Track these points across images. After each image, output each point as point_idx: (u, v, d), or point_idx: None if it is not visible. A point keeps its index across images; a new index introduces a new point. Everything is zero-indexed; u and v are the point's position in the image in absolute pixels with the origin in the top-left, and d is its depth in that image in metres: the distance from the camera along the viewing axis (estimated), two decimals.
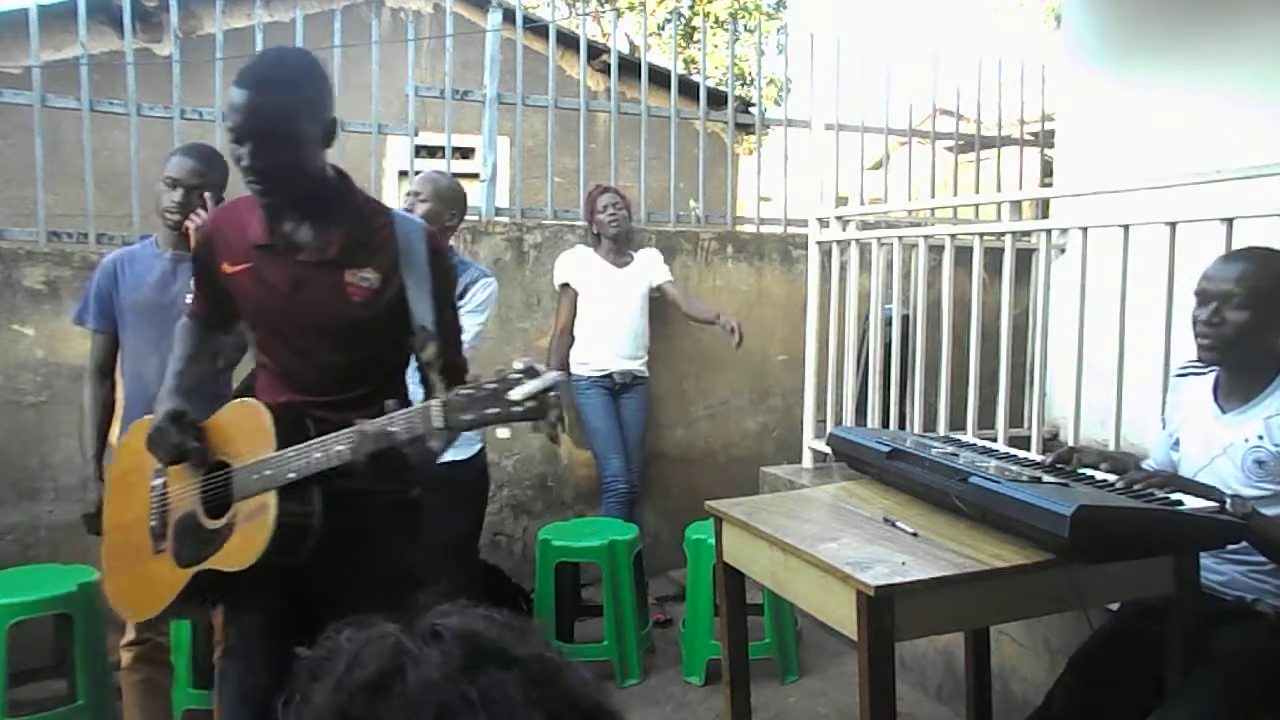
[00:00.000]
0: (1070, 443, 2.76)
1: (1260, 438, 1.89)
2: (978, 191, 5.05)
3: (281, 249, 1.73)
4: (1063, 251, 4.21)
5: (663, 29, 12.46)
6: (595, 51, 6.42)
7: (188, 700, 2.80)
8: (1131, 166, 3.77)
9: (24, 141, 3.82)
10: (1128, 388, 2.71)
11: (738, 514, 2.13)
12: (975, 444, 2.49)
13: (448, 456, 2.91)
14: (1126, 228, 2.68)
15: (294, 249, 1.73)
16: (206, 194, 2.39)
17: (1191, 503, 1.79)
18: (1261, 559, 1.86)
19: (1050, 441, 3.40)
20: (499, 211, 4.26)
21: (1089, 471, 2.03)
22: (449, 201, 3.02)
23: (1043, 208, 4.66)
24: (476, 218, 4.10)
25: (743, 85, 9.81)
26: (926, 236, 3.59)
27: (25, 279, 3.41)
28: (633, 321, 3.90)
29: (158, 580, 1.77)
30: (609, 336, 3.86)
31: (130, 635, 2.45)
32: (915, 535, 1.88)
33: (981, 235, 3.33)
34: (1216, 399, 2.03)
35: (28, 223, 3.61)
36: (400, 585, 1.78)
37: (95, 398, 2.52)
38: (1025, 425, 3.64)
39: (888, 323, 3.75)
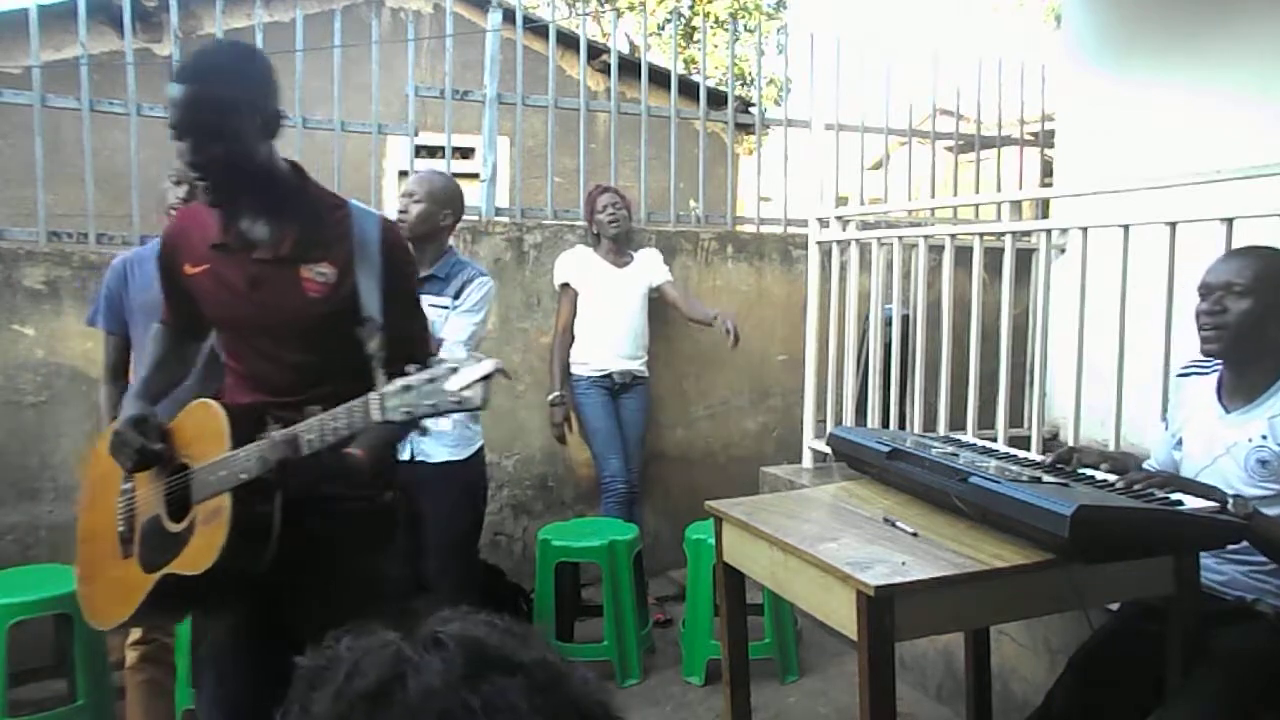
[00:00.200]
0: (1070, 443, 2.76)
1: (1264, 437, 1.89)
2: (978, 191, 5.05)
3: (237, 247, 1.70)
4: (1063, 251, 4.21)
5: (663, 29, 12.47)
6: (595, 51, 6.42)
7: (189, 700, 2.80)
8: (1131, 166, 3.77)
9: (24, 141, 3.82)
10: (1128, 388, 2.71)
11: (738, 514, 2.13)
12: (975, 444, 2.49)
13: (448, 456, 3.00)
14: (1126, 228, 2.68)
15: (249, 247, 1.70)
16: None
17: (1191, 503, 1.79)
18: (1262, 559, 1.86)
19: (1050, 441, 3.40)
20: (499, 211, 4.26)
21: (1089, 471, 2.03)
22: (443, 201, 2.98)
23: (1043, 208, 4.66)
24: (476, 218, 4.10)
25: (743, 85, 9.81)
26: (926, 236, 3.59)
27: (25, 279, 3.41)
28: (632, 321, 3.90)
29: (125, 586, 1.74)
30: (609, 336, 3.86)
31: (136, 635, 2.45)
32: (915, 535, 1.88)
33: (981, 235, 3.33)
34: (1220, 398, 2.03)
35: (28, 223, 3.61)
36: (374, 593, 1.73)
37: (110, 399, 2.52)
38: (1025, 425, 3.64)
39: (888, 323, 3.75)
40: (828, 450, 3.43)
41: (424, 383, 1.40)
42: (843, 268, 3.90)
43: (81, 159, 3.63)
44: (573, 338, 3.90)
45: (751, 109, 5.12)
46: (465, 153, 5.31)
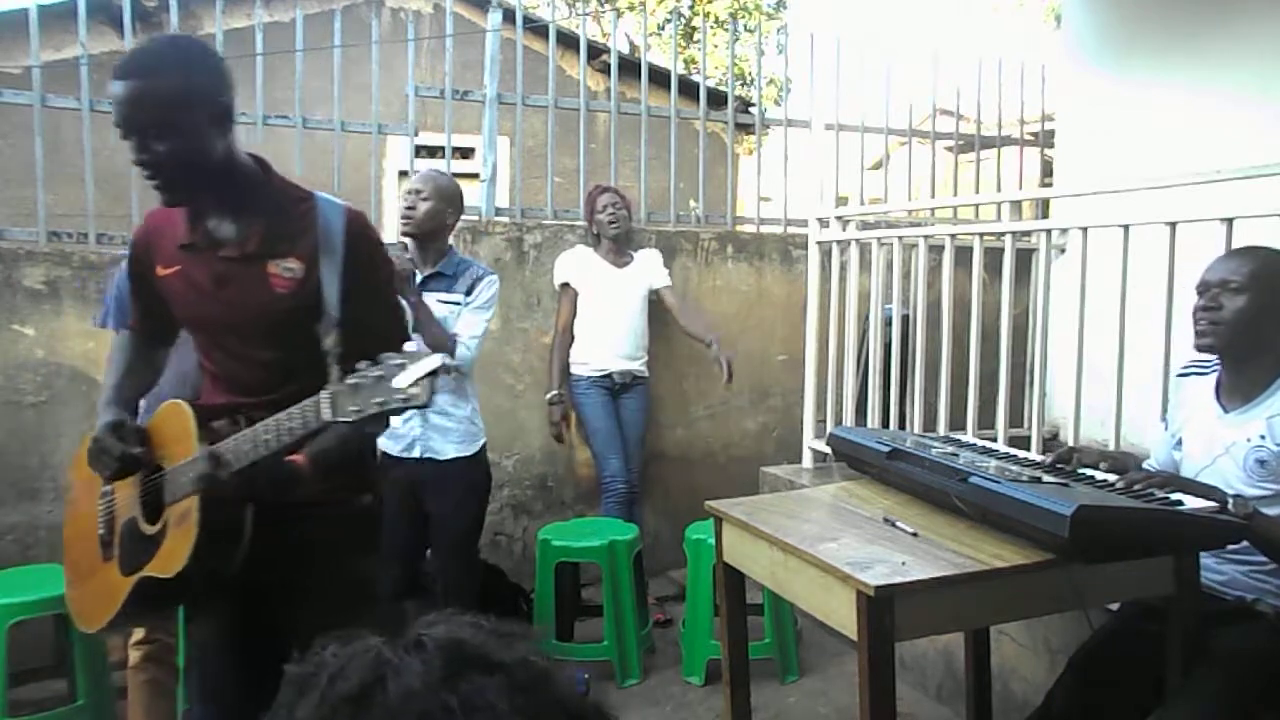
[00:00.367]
0: (1070, 443, 2.76)
1: (1263, 437, 1.90)
2: (978, 191, 5.05)
3: (203, 246, 1.67)
4: (1063, 251, 4.21)
5: (663, 29, 12.47)
6: (595, 51, 6.42)
7: (189, 700, 2.80)
8: (1131, 166, 3.77)
9: (24, 141, 3.82)
10: (1128, 388, 2.71)
11: (738, 514, 2.13)
12: (975, 444, 2.49)
13: (456, 453, 3.01)
14: (1126, 228, 2.68)
15: (216, 245, 1.67)
16: None
17: (1191, 503, 1.79)
18: (1262, 559, 1.87)
19: (1050, 441, 3.40)
20: (499, 211, 4.26)
21: (1089, 471, 2.03)
22: (448, 199, 3.01)
23: (1043, 208, 4.66)
24: (476, 218, 4.10)
25: (743, 85, 9.81)
26: (926, 236, 3.59)
27: (25, 279, 3.41)
28: (632, 321, 3.90)
29: (107, 588, 1.73)
30: (609, 336, 3.87)
31: (138, 635, 2.45)
32: (915, 535, 1.88)
33: (981, 235, 3.33)
34: (1219, 398, 2.03)
35: (28, 223, 3.61)
36: (353, 596, 1.70)
37: None
38: (1025, 425, 3.64)
39: (888, 323, 3.75)
40: (828, 450, 3.43)
41: (373, 380, 1.35)
42: (843, 268, 3.90)
43: (81, 159, 3.63)
44: (572, 338, 3.90)
45: (751, 109, 5.12)
46: (465, 153, 5.31)
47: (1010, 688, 2.70)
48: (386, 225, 6.19)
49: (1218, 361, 2.05)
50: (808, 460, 3.97)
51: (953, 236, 3.52)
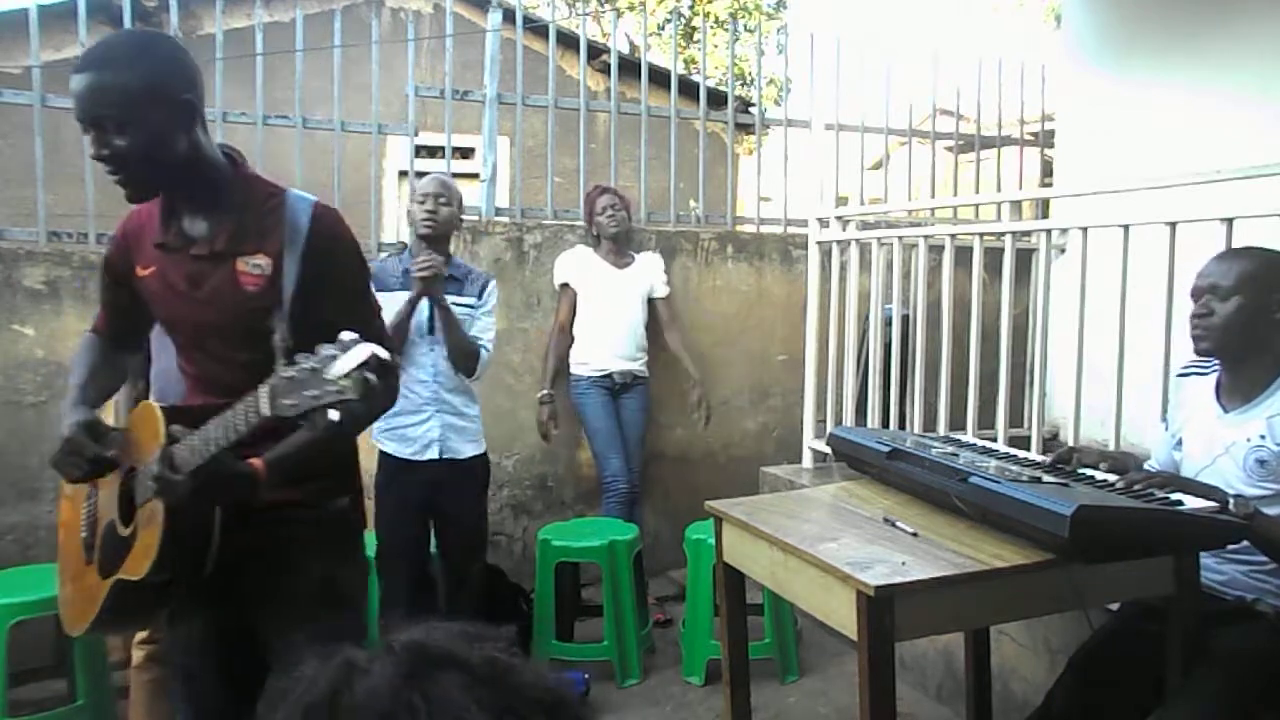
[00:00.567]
0: (1070, 443, 2.76)
1: (1262, 437, 1.90)
2: (978, 191, 5.05)
3: (176, 245, 1.64)
4: (1063, 251, 4.21)
5: (663, 29, 12.47)
6: (595, 51, 6.42)
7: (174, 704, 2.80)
8: (1131, 166, 3.77)
9: (24, 141, 3.82)
10: (1128, 388, 2.71)
11: (738, 514, 2.13)
12: (975, 444, 2.49)
13: (473, 451, 3.04)
14: (1126, 228, 2.68)
15: (188, 243, 1.63)
16: None
17: (1192, 503, 1.79)
18: (1263, 559, 1.86)
19: (1050, 441, 3.40)
20: (499, 211, 4.26)
21: (1089, 471, 2.03)
22: (460, 203, 3.11)
23: (1043, 208, 4.67)
24: (476, 218, 4.10)
25: (743, 85, 9.81)
26: (926, 236, 3.59)
27: (25, 279, 3.41)
28: (632, 322, 3.91)
29: (88, 591, 1.71)
30: (609, 337, 3.87)
31: (142, 634, 2.44)
32: (915, 535, 1.88)
33: (981, 235, 3.33)
34: (1219, 398, 2.03)
35: (28, 223, 3.61)
36: (325, 601, 1.65)
37: (130, 397, 2.52)
38: (1025, 425, 3.64)
39: (888, 323, 3.75)
40: (828, 450, 3.43)
41: (308, 373, 1.30)
42: (843, 268, 3.90)
43: (81, 159, 3.61)
44: (572, 338, 3.91)
45: (751, 109, 5.12)
46: (465, 153, 5.32)
47: (1010, 688, 2.70)
48: (386, 226, 6.19)
49: (1217, 362, 2.05)
50: (808, 460, 3.97)
51: (953, 236, 3.52)
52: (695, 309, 4.37)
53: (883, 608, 1.64)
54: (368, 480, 3.08)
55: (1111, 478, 1.96)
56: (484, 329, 3.07)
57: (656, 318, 4.02)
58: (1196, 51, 3.81)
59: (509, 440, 4.03)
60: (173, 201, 1.64)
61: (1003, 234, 3.14)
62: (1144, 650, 1.94)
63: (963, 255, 3.49)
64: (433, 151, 4.77)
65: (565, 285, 3.94)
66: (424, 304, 2.95)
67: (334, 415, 1.29)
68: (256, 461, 1.55)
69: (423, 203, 2.98)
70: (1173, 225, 2.53)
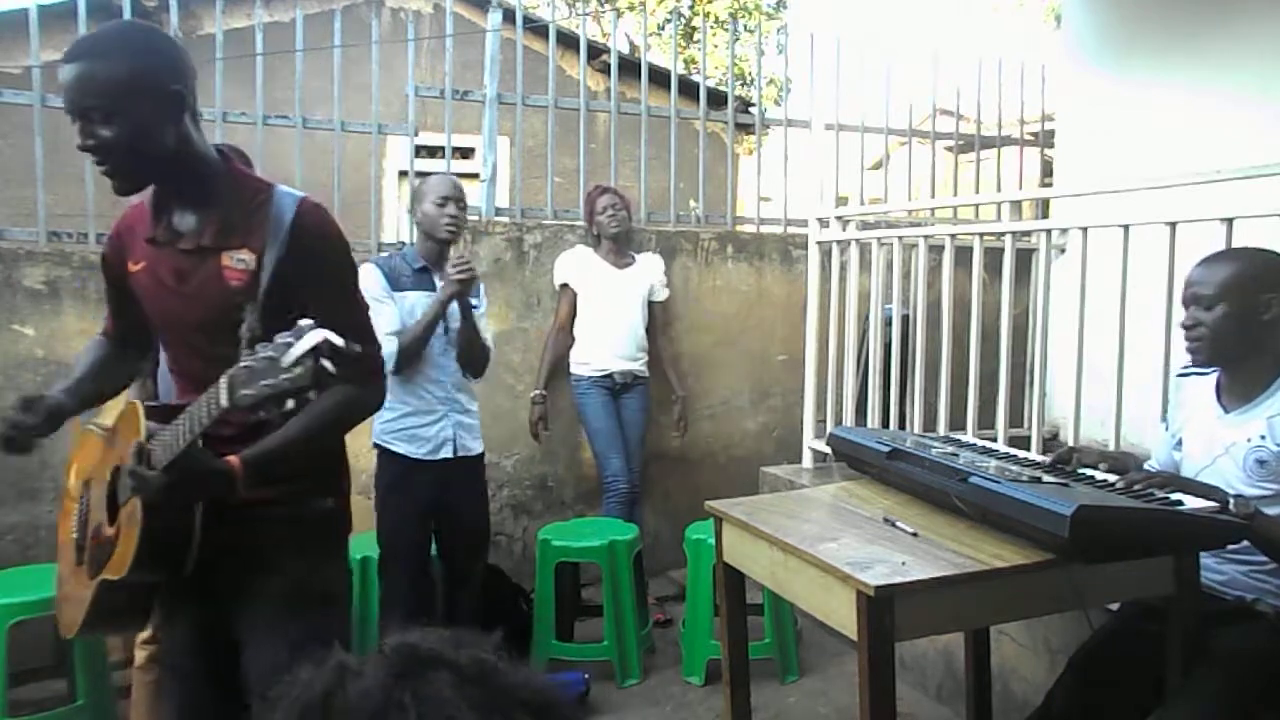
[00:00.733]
0: (1070, 443, 2.76)
1: (1262, 437, 1.90)
2: (978, 191, 5.05)
3: (165, 240, 1.63)
4: (1063, 251, 4.21)
5: (663, 29, 12.48)
6: (595, 51, 6.42)
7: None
8: (1131, 166, 3.77)
9: (24, 141, 3.81)
10: (1128, 388, 2.71)
11: (738, 514, 2.13)
12: (975, 444, 2.49)
13: (480, 448, 3.06)
14: (1126, 228, 2.68)
15: (177, 238, 1.62)
16: None
17: (1192, 503, 1.79)
18: (1263, 559, 1.86)
19: (1050, 441, 3.40)
20: (499, 211, 4.26)
21: (1089, 471, 2.03)
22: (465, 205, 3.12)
23: (1043, 208, 4.67)
24: (476, 218, 4.10)
25: (743, 85, 9.82)
26: (926, 236, 3.59)
27: (25, 279, 3.41)
28: (633, 322, 3.91)
29: (78, 592, 1.70)
30: (609, 337, 3.87)
31: (145, 634, 2.44)
32: (915, 535, 1.88)
33: (981, 235, 3.33)
34: (1219, 399, 2.03)
35: (28, 223, 3.61)
36: (305, 602, 1.63)
37: (139, 398, 2.51)
38: (1025, 425, 3.64)
39: (888, 323, 3.75)
40: (828, 450, 3.43)
41: (265, 362, 1.27)
42: (843, 268, 3.90)
43: (81, 159, 3.58)
44: (572, 338, 3.91)
45: (751, 109, 5.12)
46: (465, 153, 5.32)
47: (1010, 688, 2.70)
48: (386, 225, 6.19)
49: None
50: (808, 460, 3.97)
51: (953, 236, 3.52)
52: (695, 309, 4.37)
53: (883, 608, 1.64)
54: (366, 481, 3.11)
55: (1111, 478, 1.96)
56: (484, 329, 3.11)
57: (652, 321, 4.03)
58: (1196, 51, 3.81)
59: (509, 440, 4.03)
60: (163, 196, 1.64)
61: (1003, 234, 3.14)
62: (1144, 650, 1.94)
63: (963, 255, 3.49)
64: (433, 151, 4.77)
65: (565, 285, 3.94)
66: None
67: (290, 404, 1.26)
68: (234, 459, 1.53)
69: (443, 205, 2.95)
70: (1173, 225, 2.53)
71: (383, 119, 4.11)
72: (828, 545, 1.85)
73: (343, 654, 0.67)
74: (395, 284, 2.91)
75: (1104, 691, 2.00)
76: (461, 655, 0.65)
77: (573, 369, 3.90)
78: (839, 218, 3.96)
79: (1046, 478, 1.89)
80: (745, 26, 12.12)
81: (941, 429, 3.27)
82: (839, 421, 3.83)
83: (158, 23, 5.82)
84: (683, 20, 12.58)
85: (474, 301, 3.04)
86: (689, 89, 5.11)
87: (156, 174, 1.59)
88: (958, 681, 2.78)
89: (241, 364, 1.30)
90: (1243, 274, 1.93)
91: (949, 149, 5.29)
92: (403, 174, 5.56)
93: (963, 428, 3.24)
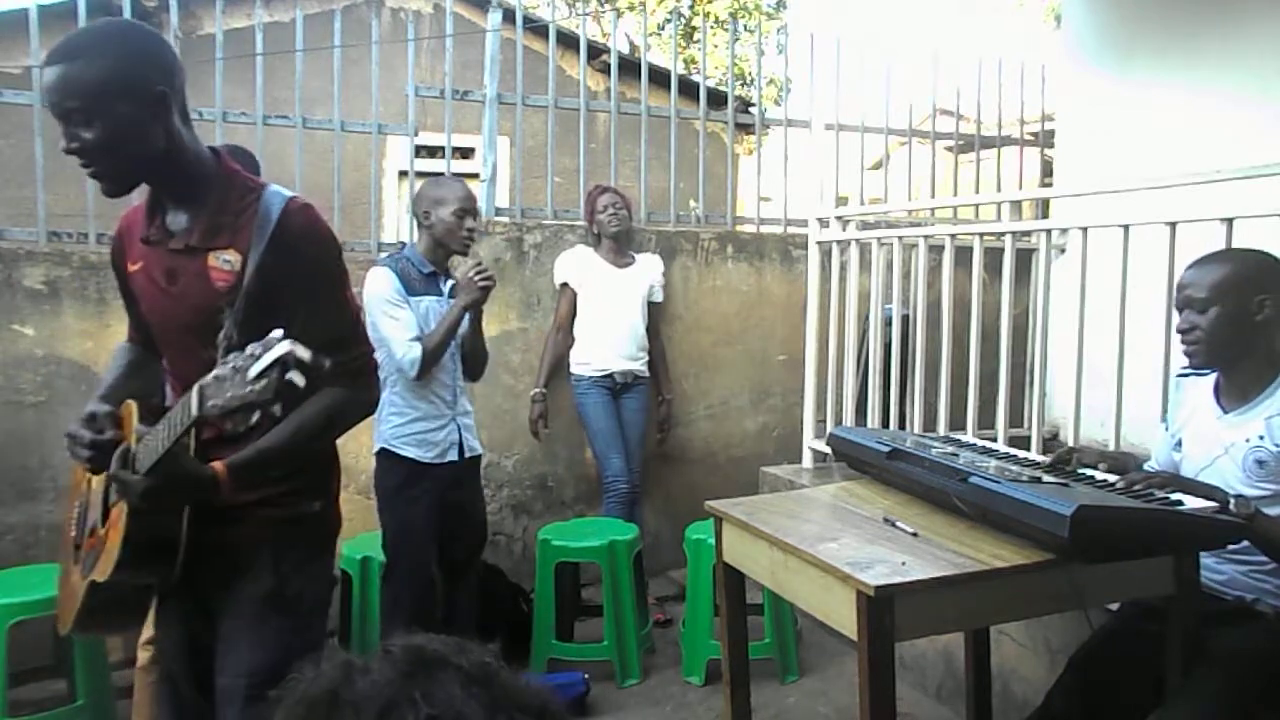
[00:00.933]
0: (1070, 443, 2.77)
1: (1261, 438, 1.90)
2: (978, 191, 5.05)
3: (157, 240, 1.61)
4: (1063, 251, 4.21)
5: (663, 29, 12.48)
6: (595, 51, 6.42)
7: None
8: (1131, 166, 3.77)
9: (24, 141, 3.81)
10: (1128, 388, 2.71)
11: (738, 514, 2.13)
12: (975, 444, 2.49)
13: (481, 448, 3.07)
14: (1126, 228, 2.68)
15: (168, 238, 1.61)
16: None
17: (1191, 503, 1.79)
18: (1263, 559, 1.87)
19: (1050, 441, 3.40)
20: (499, 211, 4.26)
21: (1089, 471, 2.03)
22: None
23: (1043, 208, 4.67)
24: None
25: (743, 85, 9.82)
26: (926, 236, 3.59)
27: (25, 279, 3.41)
28: (633, 321, 3.91)
29: (73, 590, 1.70)
30: (609, 336, 3.87)
31: (147, 635, 2.44)
32: (915, 535, 1.88)
33: (981, 235, 3.33)
34: (1218, 399, 2.03)
35: (28, 223, 3.61)
36: (280, 606, 1.60)
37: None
38: (1025, 425, 3.64)
39: (888, 323, 3.75)
40: (828, 450, 3.43)
41: (231, 373, 1.26)
42: (843, 268, 3.90)
43: None
44: (572, 338, 3.91)
45: (751, 109, 5.12)
46: (465, 153, 5.32)
47: (1010, 688, 2.70)
48: (386, 225, 6.20)
49: None
50: (808, 460, 3.97)
51: (953, 236, 3.52)
52: (695, 309, 4.37)
53: (883, 608, 1.64)
54: (367, 482, 3.12)
55: (1111, 478, 1.96)
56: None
57: (668, 307, 4.04)
58: (1196, 51, 3.81)
59: (509, 440, 4.03)
60: (157, 195, 1.63)
61: (1003, 234, 3.14)
62: (1144, 650, 1.94)
63: (963, 255, 3.49)
64: (433, 151, 4.77)
65: (565, 285, 3.94)
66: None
67: (256, 416, 1.25)
68: (218, 464, 1.51)
69: (462, 218, 2.93)
70: (1173, 225, 2.53)
71: (383, 119, 4.11)
72: (828, 545, 1.85)
73: (343, 653, 0.69)
74: (410, 288, 2.89)
75: (1104, 691, 2.00)
76: (465, 658, 0.67)
77: (573, 369, 3.90)
78: (839, 218, 3.96)
79: (1046, 478, 1.90)
80: (745, 26, 12.13)
81: (941, 429, 3.27)
82: (839, 421, 3.83)
83: (158, 23, 5.82)
84: (683, 20, 12.58)
85: None
86: (689, 89, 5.11)
87: (143, 175, 1.58)
88: (958, 681, 2.78)
89: (214, 373, 1.29)
90: (1235, 275, 1.93)
91: (949, 149, 5.29)
92: (403, 174, 5.55)
93: (963, 428, 3.24)
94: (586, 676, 3.13)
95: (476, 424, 3.12)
